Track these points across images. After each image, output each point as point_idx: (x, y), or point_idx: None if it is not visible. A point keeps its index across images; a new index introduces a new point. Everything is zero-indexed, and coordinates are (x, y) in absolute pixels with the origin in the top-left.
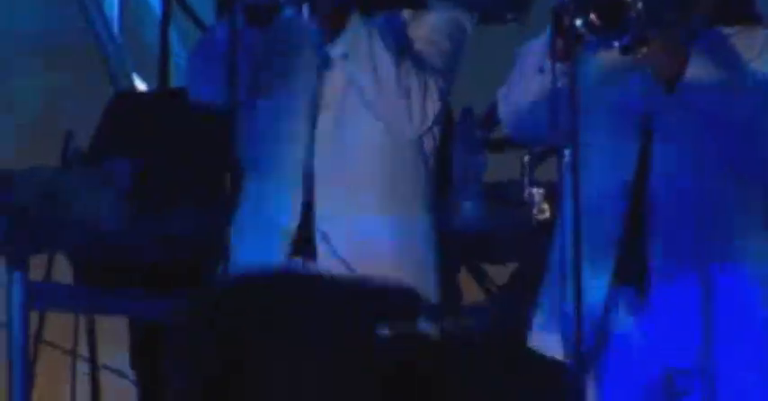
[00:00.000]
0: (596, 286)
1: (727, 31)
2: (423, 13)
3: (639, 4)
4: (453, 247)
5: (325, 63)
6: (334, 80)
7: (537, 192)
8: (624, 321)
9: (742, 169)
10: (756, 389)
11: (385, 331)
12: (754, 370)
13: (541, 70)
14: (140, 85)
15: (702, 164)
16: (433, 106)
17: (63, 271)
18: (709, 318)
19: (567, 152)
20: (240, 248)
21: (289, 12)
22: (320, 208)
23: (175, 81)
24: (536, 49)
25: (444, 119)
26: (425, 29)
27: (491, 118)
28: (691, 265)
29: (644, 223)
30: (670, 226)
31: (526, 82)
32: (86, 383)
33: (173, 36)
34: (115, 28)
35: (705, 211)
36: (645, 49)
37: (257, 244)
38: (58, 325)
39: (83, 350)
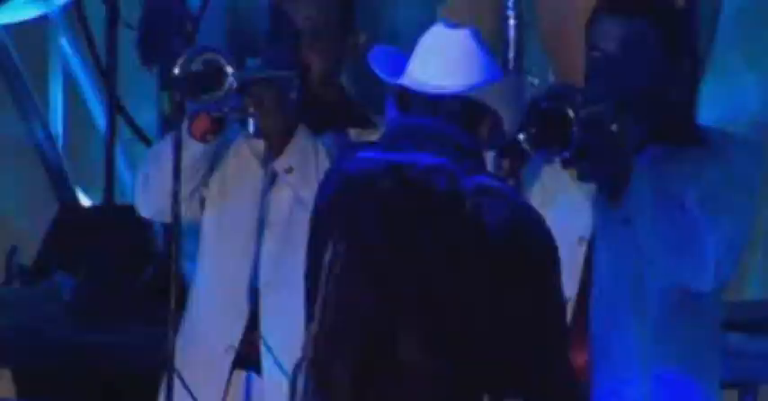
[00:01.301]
0: None
1: (667, 148)
2: (370, 131)
3: (582, 116)
4: None
5: (271, 178)
6: (281, 196)
7: None
8: None
9: (686, 282)
10: None
11: None
12: None
13: None
14: (84, 200)
15: (643, 279)
16: None
17: (6, 385)
18: None
19: None
20: (186, 361)
21: (235, 126)
22: (265, 322)
23: (119, 197)
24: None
25: None
26: None
27: None
28: (631, 380)
29: (585, 335)
30: (610, 337)
31: None
32: None
33: (117, 152)
34: (60, 144)
35: (646, 323)
36: (585, 162)
37: (203, 358)
38: None
39: None
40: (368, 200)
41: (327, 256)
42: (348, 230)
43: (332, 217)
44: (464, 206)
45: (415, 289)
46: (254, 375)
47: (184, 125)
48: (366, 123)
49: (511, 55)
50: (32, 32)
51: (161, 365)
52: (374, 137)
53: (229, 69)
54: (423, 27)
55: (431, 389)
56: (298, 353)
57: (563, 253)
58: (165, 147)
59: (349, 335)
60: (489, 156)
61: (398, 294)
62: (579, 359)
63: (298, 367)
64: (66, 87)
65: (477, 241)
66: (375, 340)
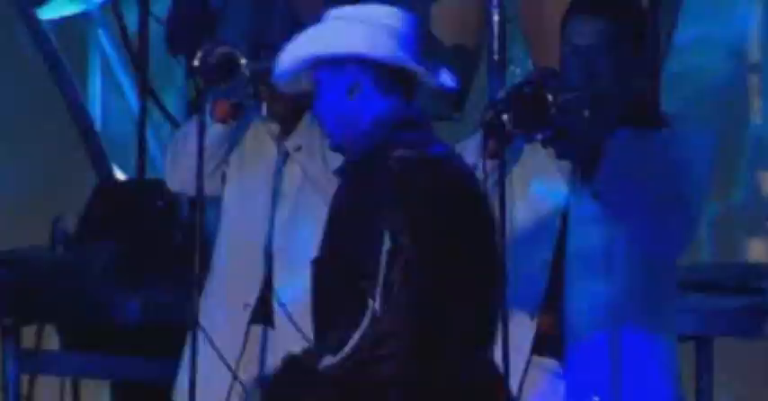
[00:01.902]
0: (521, 345)
1: (633, 130)
2: None
3: (559, 101)
4: None
5: (283, 156)
6: (292, 171)
7: None
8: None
9: (649, 248)
10: None
11: None
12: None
13: (475, 167)
14: (120, 175)
15: (612, 246)
16: None
17: (52, 339)
18: (617, 366)
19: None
20: (209, 318)
21: (252, 110)
22: (278, 282)
23: (150, 172)
24: (470, 147)
25: None
26: None
27: None
28: (598, 329)
29: (560, 295)
30: (582, 297)
31: None
32: None
33: (148, 133)
34: (98, 125)
35: (614, 284)
36: (562, 143)
37: (224, 314)
38: (47, 387)
39: None
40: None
41: (386, 246)
42: (412, 228)
43: (387, 210)
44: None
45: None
46: (269, 329)
47: (207, 109)
48: None
49: (495, 47)
50: (74, 27)
51: (187, 321)
52: None
53: (243, 61)
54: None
55: None
56: (306, 310)
57: (543, 222)
58: (190, 129)
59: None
60: (476, 138)
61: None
62: (547, 321)
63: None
64: (104, 75)
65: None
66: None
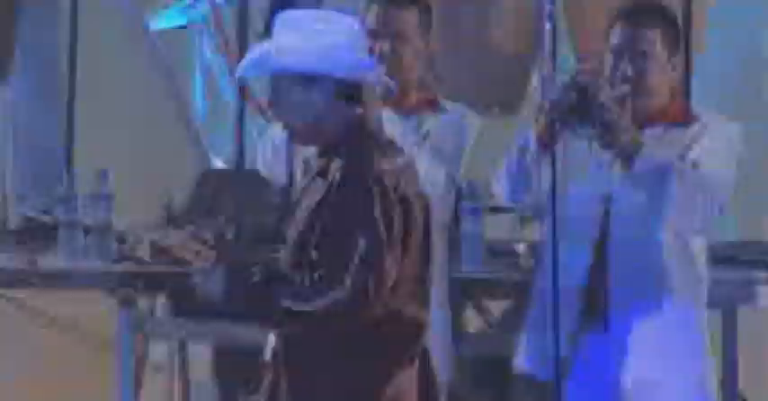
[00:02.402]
0: (569, 318)
1: (668, 124)
2: (438, 115)
3: (604, 101)
4: (460, 288)
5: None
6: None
7: (522, 247)
8: (592, 339)
9: (684, 227)
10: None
11: None
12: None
13: (527, 156)
14: (220, 164)
15: (648, 227)
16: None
17: (163, 306)
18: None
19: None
20: None
21: None
22: None
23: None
24: (526, 140)
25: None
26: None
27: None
28: (640, 301)
29: (605, 274)
30: (625, 274)
31: (513, 167)
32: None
33: (245, 128)
34: (201, 121)
35: (651, 263)
36: (606, 137)
37: None
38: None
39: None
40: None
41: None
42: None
43: (408, 201)
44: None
45: None
46: None
47: None
48: (436, 107)
49: (546, 49)
50: (180, 35)
51: None
52: (440, 120)
53: None
54: None
55: None
56: None
57: (589, 206)
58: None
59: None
60: (531, 131)
61: None
62: (598, 291)
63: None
64: (206, 78)
65: None
66: None
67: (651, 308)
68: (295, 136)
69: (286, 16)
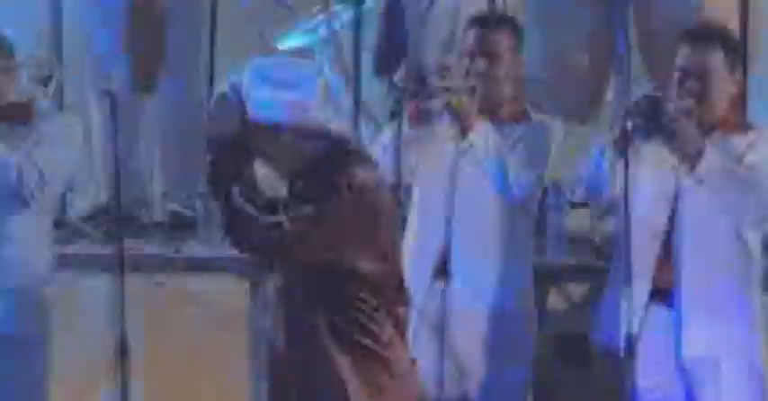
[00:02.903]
0: (638, 298)
1: (727, 130)
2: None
3: (672, 108)
4: (546, 274)
5: (460, 152)
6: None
7: (599, 238)
8: (659, 318)
9: (741, 221)
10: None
11: None
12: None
13: (604, 159)
14: None
15: (714, 221)
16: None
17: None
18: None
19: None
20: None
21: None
22: (454, 252)
23: None
24: (603, 145)
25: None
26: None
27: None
28: (703, 285)
29: (670, 257)
30: (691, 265)
31: (592, 168)
32: None
33: (361, 134)
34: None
35: (713, 252)
36: (673, 143)
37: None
38: None
39: None
40: None
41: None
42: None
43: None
44: None
45: None
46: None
47: (405, 114)
48: (525, 117)
49: (622, 65)
50: (303, 53)
51: None
52: (529, 129)
53: (430, 77)
54: None
55: None
56: (476, 275)
57: (658, 203)
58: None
59: None
60: (607, 140)
61: None
62: (666, 275)
63: None
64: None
65: None
66: None
67: (713, 291)
68: None
69: None
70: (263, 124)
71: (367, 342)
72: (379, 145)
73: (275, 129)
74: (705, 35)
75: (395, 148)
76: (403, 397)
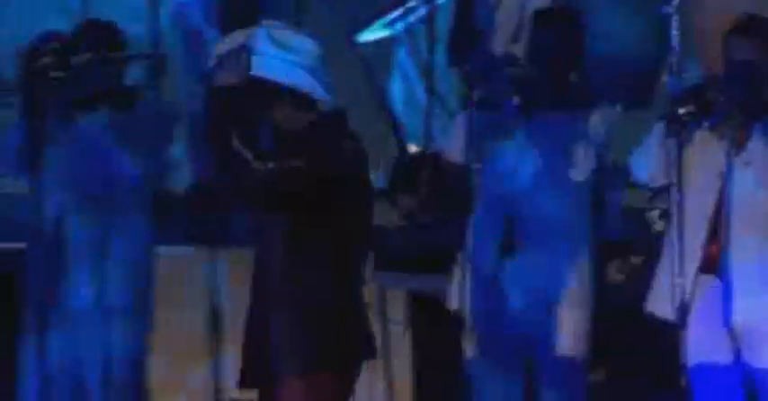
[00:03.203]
0: (689, 270)
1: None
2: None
3: (721, 99)
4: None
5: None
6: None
7: (655, 214)
8: (708, 289)
9: None
10: None
11: None
12: None
13: (659, 141)
14: (413, 149)
15: (761, 199)
16: None
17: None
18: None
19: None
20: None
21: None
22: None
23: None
24: (656, 130)
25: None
26: None
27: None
28: (750, 255)
29: (720, 235)
30: (738, 238)
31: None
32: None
33: (432, 122)
34: (399, 116)
35: (757, 224)
36: (723, 127)
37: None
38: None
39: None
40: None
41: None
42: None
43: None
44: None
45: None
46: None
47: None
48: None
49: (674, 54)
50: (382, 45)
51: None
52: (594, 115)
53: (505, 68)
54: None
55: None
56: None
57: (708, 183)
58: (460, 118)
59: None
60: (660, 125)
61: None
62: (715, 249)
63: None
64: (403, 81)
65: None
66: None
67: (760, 262)
68: None
69: None
70: (264, 80)
71: None
72: (452, 132)
73: (275, 86)
74: (752, 26)
75: (465, 134)
76: None
